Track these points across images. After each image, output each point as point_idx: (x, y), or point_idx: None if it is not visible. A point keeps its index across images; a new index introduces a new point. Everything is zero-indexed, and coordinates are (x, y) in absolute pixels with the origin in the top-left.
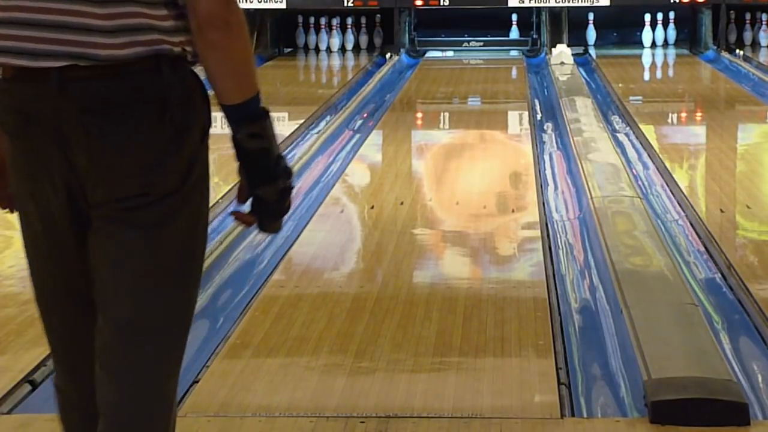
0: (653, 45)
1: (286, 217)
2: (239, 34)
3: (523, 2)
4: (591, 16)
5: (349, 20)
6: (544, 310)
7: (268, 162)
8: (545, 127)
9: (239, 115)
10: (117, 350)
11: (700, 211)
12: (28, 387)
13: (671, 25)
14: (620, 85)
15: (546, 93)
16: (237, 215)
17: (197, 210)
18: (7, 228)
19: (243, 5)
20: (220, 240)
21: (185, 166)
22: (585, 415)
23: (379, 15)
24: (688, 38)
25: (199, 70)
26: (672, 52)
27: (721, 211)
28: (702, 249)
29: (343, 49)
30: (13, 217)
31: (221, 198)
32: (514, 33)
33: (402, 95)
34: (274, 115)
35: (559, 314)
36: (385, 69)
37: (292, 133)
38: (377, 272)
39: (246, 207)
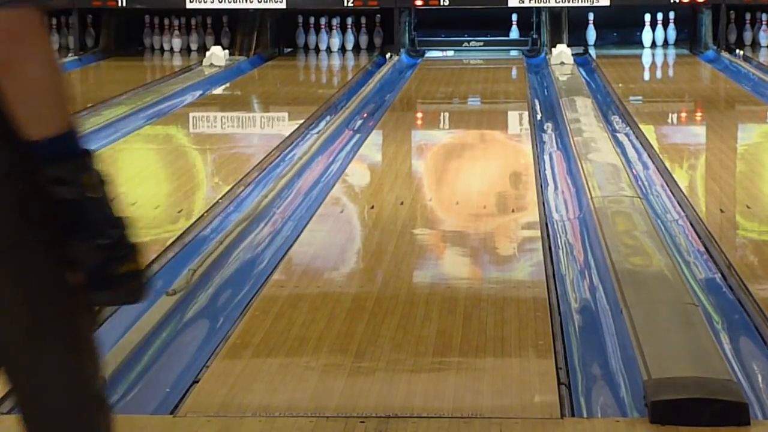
0: (653, 45)
1: (142, 291)
2: (33, 54)
3: (523, 2)
4: (591, 16)
5: (349, 20)
6: (544, 310)
7: (77, 214)
8: (545, 127)
9: (39, 155)
10: (27, 408)
11: (700, 211)
12: None
13: (671, 25)
14: (620, 85)
15: (546, 93)
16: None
17: (48, 263)
18: None
19: (243, 5)
20: (220, 240)
21: (17, 215)
22: (585, 415)
23: (379, 15)
24: (688, 38)
25: None
26: (672, 52)
27: (721, 211)
28: (702, 249)
29: (343, 49)
30: None
31: (221, 198)
32: (514, 33)
33: (402, 95)
34: (273, 115)
35: (559, 314)
36: (385, 69)
37: (292, 133)
38: (377, 272)
39: None
